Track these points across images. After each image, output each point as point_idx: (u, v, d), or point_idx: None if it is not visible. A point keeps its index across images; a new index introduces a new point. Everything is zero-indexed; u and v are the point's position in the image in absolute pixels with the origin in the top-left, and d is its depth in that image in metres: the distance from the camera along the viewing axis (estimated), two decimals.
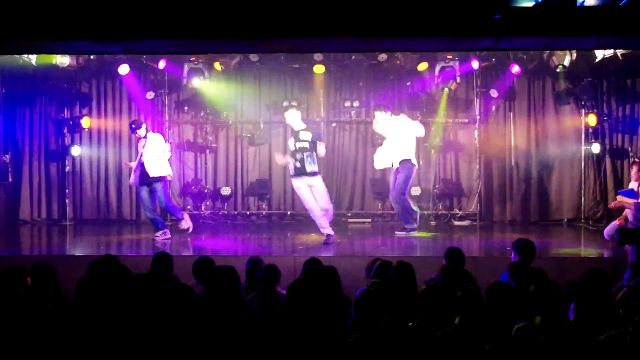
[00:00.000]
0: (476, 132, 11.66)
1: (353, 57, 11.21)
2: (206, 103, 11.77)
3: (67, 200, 11.87)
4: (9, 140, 11.76)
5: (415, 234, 9.64)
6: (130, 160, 10.33)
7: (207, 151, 12.07)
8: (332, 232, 8.95)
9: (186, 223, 9.77)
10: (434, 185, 11.87)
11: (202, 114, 11.91)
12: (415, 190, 11.51)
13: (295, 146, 8.89)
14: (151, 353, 4.01)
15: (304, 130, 8.98)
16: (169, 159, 9.74)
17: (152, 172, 9.41)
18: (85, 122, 11.71)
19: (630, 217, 8.00)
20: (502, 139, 11.72)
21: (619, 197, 8.22)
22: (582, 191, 11.52)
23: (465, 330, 3.98)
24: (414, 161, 9.63)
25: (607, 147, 11.30)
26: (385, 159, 9.69)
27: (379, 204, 11.94)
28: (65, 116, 11.92)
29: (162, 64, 11.24)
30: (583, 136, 11.47)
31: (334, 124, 12.00)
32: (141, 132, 9.53)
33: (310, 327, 4.08)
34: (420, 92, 11.65)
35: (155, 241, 9.28)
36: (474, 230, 11.06)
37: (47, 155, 12.05)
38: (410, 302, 4.78)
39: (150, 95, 11.68)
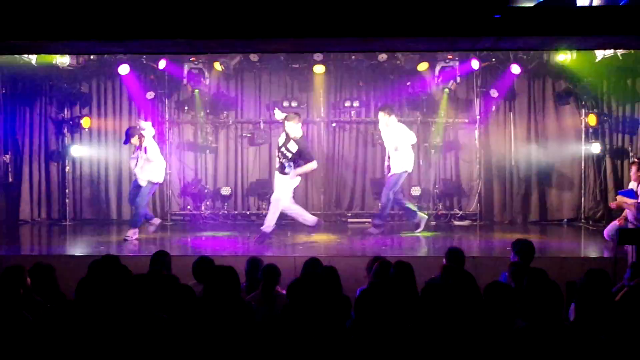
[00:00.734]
0: (476, 132, 11.67)
1: (353, 57, 11.21)
2: (206, 103, 11.78)
3: (67, 200, 11.88)
4: (9, 140, 11.77)
5: (376, 232, 10.01)
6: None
7: (207, 151, 12.07)
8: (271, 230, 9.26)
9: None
10: (434, 185, 11.88)
11: (202, 114, 11.91)
12: (415, 190, 11.53)
13: (279, 147, 9.15)
14: (151, 353, 4.01)
15: (295, 140, 9.09)
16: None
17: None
18: (85, 122, 11.72)
19: (630, 217, 8.00)
20: (502, 139, 11.73)
21: (619, 197, 8.22)
22: (582, 191, 11.52)
23: (465, 330, 3.98)
24: (409, 167, 9.98)
25: (607, 147, 11.30)
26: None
27: (379, 204, 11.92)
28: (65, 116, 11.93)
29: (162, 64, 11.25)
30: (583, 136, 11.47)
31: (334, 124, 12.00)
32: (135, 141, 9.54)
33: (310, 327, 4.07)
34: (420, 92, 11.65)
35: (127, 241, 9.42)
36: (474, 230, 11.06)
37: (47, 155, 12.06)
38: (410, 302, 4.77)
39: (150, 95, 11.68)
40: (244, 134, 12.08)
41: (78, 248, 9.91)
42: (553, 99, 11.68)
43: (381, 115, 9.96)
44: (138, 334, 4.13)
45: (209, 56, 11.08)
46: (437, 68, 11.19)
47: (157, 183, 9.66)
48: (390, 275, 5.22)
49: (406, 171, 9.99)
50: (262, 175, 12.04)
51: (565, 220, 11.67)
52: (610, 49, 9.64)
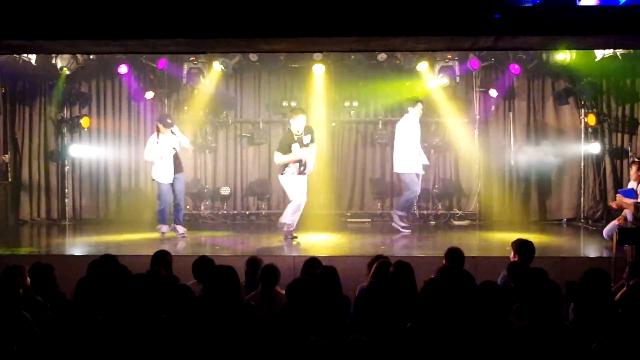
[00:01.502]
0: (476, 131, 11.66)
1: (353, 57, 11.20)
2: (206, 103, 11.78)
3: (66, 200, 11.87)
4: (9, 140, 11.76)
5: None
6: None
7: (207, 151, 12.07)
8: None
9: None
10: (433, 185, 11.88)
11: (201, 114, 11.91)
12: None
13: (301, 152, 9.10)
14: (151, 353, 4.01)
15: (305, 134, 9.13)
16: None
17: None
18: (84, 122, 11.70)
19: (629, 217, 8.00)
20: (501, 138, 11.73)
21: (619, 197, 8.22)
22: (582, 191, 11.52)
23: (463, 330, 3.99)
24: None
25: (607, 146, 11.30)
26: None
27: (379, 204, 11.95)
28: (65, 116, 11.92)
29: (161, 64, 11.24)
30: (582, 136, 11.46)
31: (333, 124, 12.00)
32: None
33: (309, 327, 4.08)
34: (420, 93, 11.63)
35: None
36: (473, 230, 11.06)
37: (46, 155, 12.05)
38: (410, 302, 4.78)
39: (149, 95, 11.67)
40: (243, 134, 12.08)
41: (78, 248, 9.91)
42: (552, 98, 11.68)
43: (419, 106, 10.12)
44: (137, 333, 4.13)
45: (209, 56, 11.06)
46: (437, 68, 11.18)
47: (160, 184, 9.64)
48: (389, 275, 5.22)
49: None
50: (261, 175, 12.04)
51: (565, 220, 11.67)
52: (610, 49, 9.64)
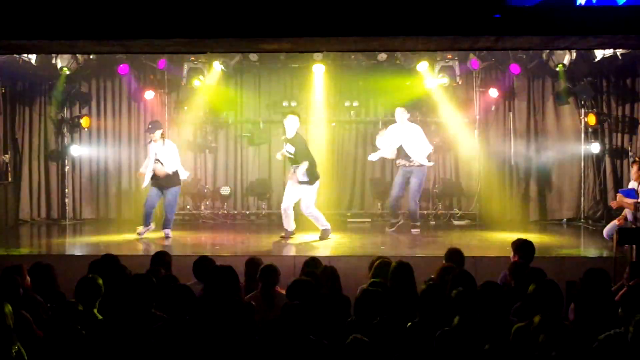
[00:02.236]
0: (476, 131, 11.66)
1: (353, 56, 11.21)
2: (206, 103, 11.78)
3: (66, 200, 11.87)
4: (9, 140, 11.77)
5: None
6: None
7: (207, 151, 12.07)
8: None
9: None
10: (433, 185, 11.88)
11: (201, 114, 11.91)
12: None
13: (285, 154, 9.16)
14: (151, 353, 4.01)
15: (290, 141, 9.11)
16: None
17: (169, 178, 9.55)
18: (84, 121, 11.71)
19: (629, 217, 8.00)
20: (501, 138, 11.73)
21: (619, 196, 8.22)
22: (582, 191, 11.52)
23: (464, 330, 3.99)
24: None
25: (607, 146, 11.30)
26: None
27: (379, 204, 11.95)
28: (65, 116, 11.92)
29: (161, 64, 11.24)
30: (583, 136, 11.46)
31: (333, 124, 12.00)
32: (156, 136, 9.54)
33: (309, 327, 4.08)
34: (420, 92, 11.64)
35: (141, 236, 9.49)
36: (473, 230, 11.05)
37: (46, 155, 12.05)
38: (410, 302, 4.78)
39: (150, 95, 11.67)
40: (243, 134, 12.08)
41: (78, 248, 9.91)
42: (552, 98, 11.68)
43: (400, 111, 10.17)
44: (137, 333, 4.13)
45: (209, 56, 11.06)
46: (437, 68, 11.18)
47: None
48: (389, 275, 5.22)
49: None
50: (261, 175, 12.04)
51: (565, 220, 11.67)
52: (610, 49, 9.64)
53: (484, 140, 11.71)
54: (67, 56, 10.84)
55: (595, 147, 11.23)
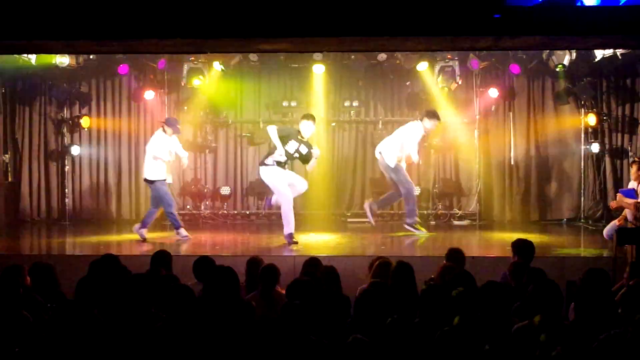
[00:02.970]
0: (476, 131, 11.66)
1: (353, 56, 11.21)
2: (206, 103, 11.78)
3: (66, 200, 11.88)
4: (9, 140, 11.76)
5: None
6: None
7: (207, 151, 12.07)
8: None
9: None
10: (433, 185, 11.88)
11: (201, 114, 11.91)
12: (415, 190, 11.51)
13: (293, 153, 8.84)
14: (151, 353, 4.02)
15: (305, 144, 8.87)
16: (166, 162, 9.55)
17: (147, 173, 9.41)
18: (84, 121, 11.72)
19: (629, 217, 8.00)
20: (501, 138, 11.73)
21: (619, 196, 8.22)
22: (582, 191, 11.53)
23: (464, 330, 3.99)
24: None
25: (607, 146, 11.31)
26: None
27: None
28: (65, 116, 11.93)
29: (161, 64, 11.24)
30: (582, 136, 11.48)
31: (333, 124, 12.00)
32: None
33: (309, 327, 4.08)
34: (420, 92, 11.65)
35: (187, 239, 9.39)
36: (473, 230, 11.06)
37: (46, 155, 12.06)
38: (410, 302, 4.78)
39: (150, 95, 11.68)
40: (243, 134, 12.08)
41: (78, 248, 9.91)
42: (552, 98, 11.69)
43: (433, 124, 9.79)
44: (137, 333, 4.13)
45: (209, 56, 11.07)
46: (437, 68, 11.18)
47: (163, 183, 9.61)
48: (390, 275, 5.22)
49: None
50: None
51: (565, 220, 11.67)
52: (610, 49, 9.64)
53: (484, 140, 11.71)
54: (67, 56, 10.85)
55: (595, 147, 11.23)
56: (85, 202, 12.07)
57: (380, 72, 11.61)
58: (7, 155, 11.62)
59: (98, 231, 10.69)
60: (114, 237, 10.14)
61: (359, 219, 11.68)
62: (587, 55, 10.55)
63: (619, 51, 9.96)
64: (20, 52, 9.77)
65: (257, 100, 12.08)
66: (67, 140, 11.92)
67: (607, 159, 11.29)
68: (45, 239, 11.03)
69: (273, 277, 5.35)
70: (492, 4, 6.25)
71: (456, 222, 11.63)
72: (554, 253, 8.49)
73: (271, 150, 8.83)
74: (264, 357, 4.00)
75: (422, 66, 11.23)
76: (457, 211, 11.80)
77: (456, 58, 11.09)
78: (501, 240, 9.48)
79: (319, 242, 9.16)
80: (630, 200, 7.94)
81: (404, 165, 9.71)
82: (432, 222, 11.60)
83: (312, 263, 5.78)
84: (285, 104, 11.73)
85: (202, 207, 11.93)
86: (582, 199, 11.51)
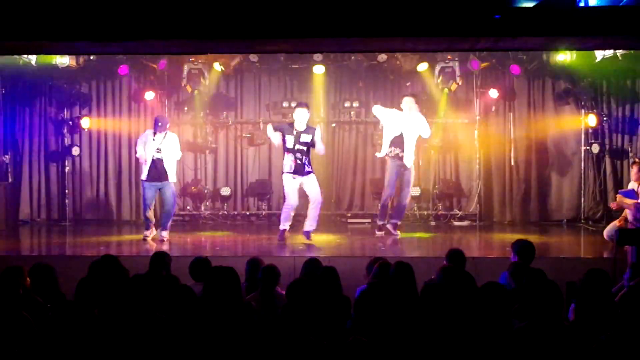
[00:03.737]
0: (476, 132, 11.66)
1: (353, 57, 11.21)
2: (206, 104, 11.79)
3: (67, 200, 11.87)
4: (9, 140, 11.77)
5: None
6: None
7: (207, 151, 12.07)
8: (287, 228, 9.03)
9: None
10: (433, 186, 11.88)
11: (202, 114, 11.92)
12: (415, 191, 11.51)
13: (294, 146, 8.84)
14: (151, 353, 4.01)
15: (304, 132, 8.91)
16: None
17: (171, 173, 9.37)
18: (85, 122, 11.72)
19: (629, 218, 8.00)
20: (501, 139, 11.73)
21: (619, 197, 8.22)
22: (582, 191, 11.53)
23: (465, 331, 3.99)
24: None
25: (607, 147, 11.31)
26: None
27: (379, 204, 11.92)
28: (65, 116, 11.93)
29: (162, 65, 11.24)
30: (583, 136, 11.48)
31: (333, 124, 12.01)
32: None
33: (309, 328, 4.07)
34: (421, 93, 11.65)
35: (146, 241, 9.33)
36: (473, 231, 11.06)
37: (47, 155, 12.06)
38: (410, 302, 4.77)
39: (150, 95, 11.68)
40: (243, 135, 12.09)
41: (78, 248, 9.91)
42: (553, 99, 11.69)
43: (410, 101, 9.61)
44: (138, 334, 4.13)
45: (209, 56, 11.07)
46: (437, 68, 11.18)
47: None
48: (389, 276, 5.21)
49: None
50: (261, 176, 12.04)
51: (565, 220, 11.67)
52: (610, 49, 9.64)
53: (484, 140, 11.71)
54: (67, 57, 10.85)
55: (595, 148, 11.23)
56: (85, 203, 12.06)
57: (381, 73, 11.61)
58: (7, 156, 11.61)
59: (98, 232, 10.70)
60: (114, 238, 10.14)
61: (359, 220, 11.69)
62: (588, 55, 10.54)
63: (619, 51, 9.96)
64: (20, 52, 9.77)
65: (257, 101, 12.08)
66: (67, 140, 11.92)
67: (607, 160, 11.29)
68: (45, 239, 11.03)
69: (273, 277, 5.34)
70: (492, 5, 6.25)
71: (456, 223, 11.62)
72: (554, 254, 8.50)
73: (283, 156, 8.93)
74: (264, 357, 3.99)
75: (422, 67, 11.23)
76: (458, 212, 11.79)
77: (456, 59, 11.08)
78: (501, 240, 9.48)
79: (319, 242, 9.14)
80: (631, 201, 7.94)
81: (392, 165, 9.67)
82: (432, 223, 11.61)
83: (312, 263, 5.77)
84: (285, 104, 11.73)
85: (202, 208, 11.93)
86: (582, 199, 11.51)
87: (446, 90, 11.36)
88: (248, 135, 12.02)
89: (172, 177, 9.37)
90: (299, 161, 8.82)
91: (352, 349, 3.75)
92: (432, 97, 11.61)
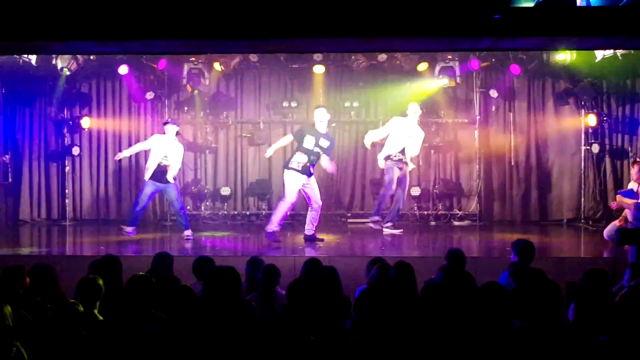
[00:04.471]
0: (476, 132, 11.67)
1: (353, 57, 11.21)
2: (206, 104, 11.79)
3: (67, 200, 11.88)
4: (9, 140, 11.77)
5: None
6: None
7: (207, 151, 12.07)
8: (278, 229, 8.96)
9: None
10: (433, 186, 11.88)
11: (202, 114, 11.92)
12: (415, 191, 11.53)
13: (313, 148, 8.79)
14: (151, 353, 4.01)
15: (324, 137, 8.88)
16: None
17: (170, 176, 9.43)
18: (85, 122, 11.72)
19: (629, 218, 8.00)
20: (502, 139, 11.74)
21: (619, 197, 8.22)
22: (582, 191, 11.53)
23: (464, 331, 3.99)
24: None
25: (607, 147, 11.30)
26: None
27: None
28: (65, 116, 11.93)
29: (162, 64, 11.24)
30: (583, 136, 11.48)
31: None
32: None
33: (310, 328, 4.07)
34: (420, 93, 11.64)
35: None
36: (473, 231, 11.06)
37: (47, 155, 12.06)
38: (410, 303, 4.77)
39: (150, 95, 11.68)
40: (243, 134, 12.08)
41: (78, 248, 9.91)
42: (553, 99, 11.69)
43: (416, 106, 9.71)
44: (138, 334, 4.13)
45: (209, 56, 11.07)
46: (437, 68, 11.18)
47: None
48: (390, 276, 5.21)
49: None
50: (261, 176, 12.04)
51: (565, 220, 11.67)
52: (610, 49, 9.64)
53: (484, 140, 11.71)
54: (67, 57, 10.87)
55: (595, 148, 11.23)
56: (85, 203, 12.07)
57: (381, 73, 11.61)
58: (7, 156, 11.61)
59: (98, 232, 10.70)
60: (114, 238, 10.13)
61: (359, 220, 11.68)
62: (588, 55, 10.54)
63: (619, 51, 9.95)
64: (20, 52, 9.77)
65: (257, 101, 12.08)
66: (67, 140, 11.92)
67: (607, 160, 11.29)
68: (45, 239, 11.03)
69: (273, 277, 5.35)
70: (492, 4, 6.25)
71: (456, 223, 11.62)
72: (554, 254, 8.50)
73: (294, 152, 8.87)
74: (264, 357, 3.99)
75: (423, 67, 11.23)
76: (458, 212, 11.79)
77: (456, 58, 11.08)
78: (501, 240, 9.48)
79: (319, 242, 9.13)
80: (631, 201, 7.94)
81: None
82: (433, 223, 11.61)
83: (312, 263, 5.77)
84: (285, 104, 11.73)
85: (202, 208, 11.93)
86: (582, 199, 11.51)
87: (446, 90, 11.37)
88: (248, 135, 12.02)
89: (170, 178, 9.39)
90: (309, 163, 8.80)
91: (352, 349, 3.75)
92: (432, 97, 11.58)
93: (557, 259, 7.83)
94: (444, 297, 4.42)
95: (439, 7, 6.27)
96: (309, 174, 8.87)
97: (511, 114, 11.74)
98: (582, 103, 11.44)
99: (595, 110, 11.24)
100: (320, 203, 9.05)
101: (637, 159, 9.07)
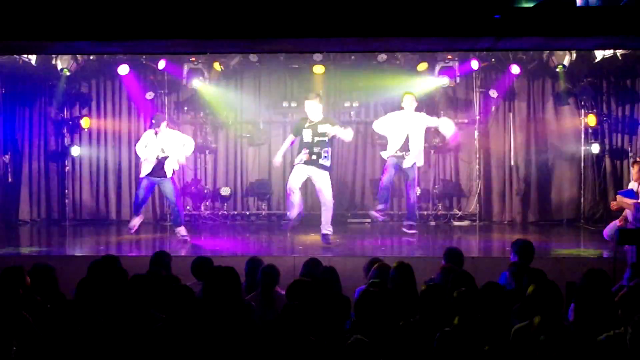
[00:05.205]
0: (476, 132, 11.66)
1: (353, 57, 11.21)
2: (206, 104, 11.78)
3: (66, 200, 11.87)
4: (9, 140, 11.77)
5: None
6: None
7: (207, 151, 12.07)
8: (331, 231, 8.83)
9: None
10: (433, 186, 11.87)
11: (201, 115, 11.92)
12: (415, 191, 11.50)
13: (313, 139, 8.61)
14: (151, 353, 4.01)
15: (322, 122, 8.71)
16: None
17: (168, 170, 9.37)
18: (84, 122, 11.72)
19: (629, 218, 8.00)
20: (501, 139, 11.73)
21: (619, 197, 8.22)
22: (582, 191, 11.52)
23: (464, 331, 3.99)
24: None
25: (607, 147, 11.31)
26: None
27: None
28: (65, 116, 11.92)
29: (161, 64, 11.22)
30: (583, 136, 11.47)
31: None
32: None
33: (309, 328, 4.07)
34: (420, 93, 11.63)
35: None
36: (473, 231, 11.06)
37: (46, 156, 12.05)
38: (410, 303, 4.78)
39: (150, 95, 11.67)
40: (243, 134, 12.08)
41: (78, 248, 9.91)
42: (552, 99, 11.68)
43: (411, 98, 9.38)
44: (137, 334, 4.13)
45: (209, 56, 11.07)
46: (437, 68, 11.17)
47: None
48: (390, 276, 5.22)
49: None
50: (261, 176, 12.04)
51: (565, 220, 11.66)
52: (610, 49, 9.64)
53: (484, 140, 11.71)
54: (67, 57, 10.86)
55: (595, 148, 11.23)
56: (85, 203, 12.06)
57: (380, 73, 11.60)
58: (7, 156, 11.61)
59: (98, 232, 10.70)
60: (113, 238, 10.14)
61: (359, 220, 11.68)
62: (587, 55, 10.54)
63: (619, 51, 9.96)
64: (20, 52, 9.77)
65: (257, 101, 12.07)
66: (67, 140, 11.92)
67: (607, 160, 11.29)
68: (45, 239, 11.03)
69: (273, 277, 5.35)
70: (492, 4, 6.25)
71: (456, 223, 11.62)
72: (554, 254, 8.50)
73: (299, 150, 8.79)
74: (264, 358, 3.99)
75: (422, 66, 11.23)
76: (457, 212, 11.79)
77: (456, 58, 11.08)
78: (501, 240, 9.47)
79: (319, 242, 9.14)
80: (631, 201, 7.94)
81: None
82: (432, 223, 11.60)
83: (312, 263, 5.77)
84: (285, 104, 11.72)
85: (202, 208, 11.93)
86: (582, 199, 11.51)
87: (446, 90, 11.37)
88: (248, 135, 12.02)
89: (169, 173, 9.36)
90: (313, 156, 8.57)
91: (352, 349, 3.75)
92: (432, 97, 11.59)
93: (557, 259, 7.82)
94: (444, 297, 4.42)
95: (438, 7, 6.27)
96: (318, 165, 8.63)
97: (511, 114, 11.74)
98: (582, 103, 11.43)
99: (595, 110, 11.24)
100: (330, 199, 8.79)
101: (637, 159, 9.07)
